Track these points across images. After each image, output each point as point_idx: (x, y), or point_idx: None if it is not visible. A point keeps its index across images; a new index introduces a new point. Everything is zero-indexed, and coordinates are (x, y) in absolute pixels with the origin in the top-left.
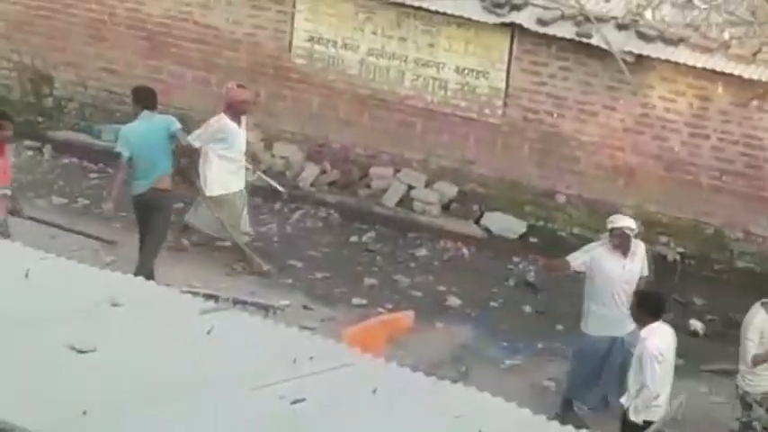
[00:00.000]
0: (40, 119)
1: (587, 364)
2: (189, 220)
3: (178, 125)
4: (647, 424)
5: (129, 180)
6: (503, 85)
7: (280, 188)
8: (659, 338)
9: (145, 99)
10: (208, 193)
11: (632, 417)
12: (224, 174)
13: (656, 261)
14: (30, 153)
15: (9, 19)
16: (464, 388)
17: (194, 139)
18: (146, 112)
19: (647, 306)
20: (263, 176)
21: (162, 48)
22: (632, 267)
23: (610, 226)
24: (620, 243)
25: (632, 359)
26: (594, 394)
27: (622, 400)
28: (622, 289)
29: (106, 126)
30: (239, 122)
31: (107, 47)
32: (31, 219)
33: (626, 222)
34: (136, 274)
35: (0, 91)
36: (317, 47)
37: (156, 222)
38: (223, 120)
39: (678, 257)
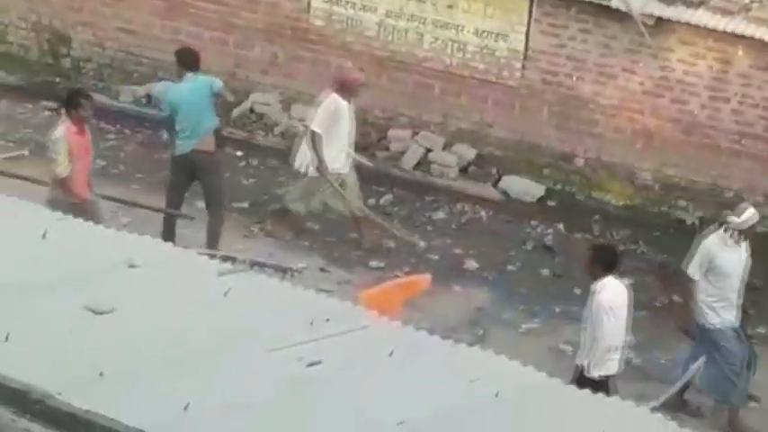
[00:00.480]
0: (57, 79)
1: (734, 358)
2: (290, 206)
3: (220, 84)
4: (604, 379)
5: (170, 141)
6: (522, 48)
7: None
8: (611, 292)
9: (188, 60)
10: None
11: (589, 373)
12: (335, 152)
13: (675, 225)
14: (47, 114)
15: None
16: (481, 351)
17: (317, 127)
18: (189, 74)
19: (601, 260)
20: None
21: (179, 8)
22: (746, 255)
23: (746, 222)
24: (746, 236)
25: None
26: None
27: (577, 358)
28: (741, 279)
29: (130, 87)
30: (349, 102)
31: (125, 7)
32: (105, 197)
33: (755, 217)
34: (210, 246)
35: (18, 51)
36: (335, 8)
37: (211, 185)
38: (337, 100)
39: (697, 221)
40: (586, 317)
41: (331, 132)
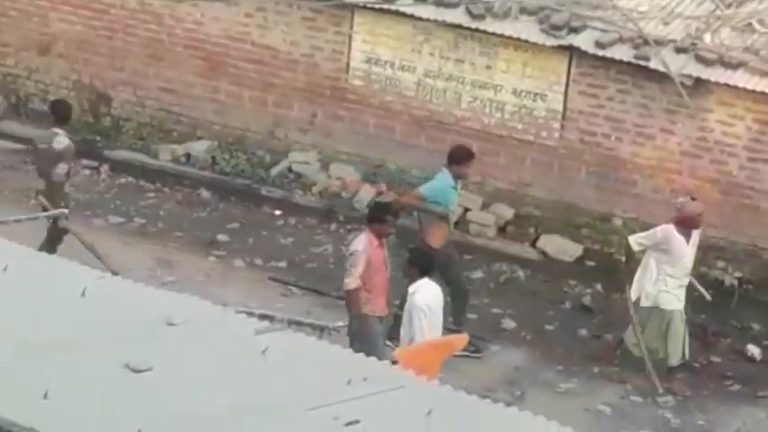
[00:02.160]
0: (97, 138)
1: None
2: (627, 341)
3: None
4: None
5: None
6: (560, 108)
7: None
8: (426, 293)
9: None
10: (641, 304)
11: None
12: (660, 288)
13: (714, 286)
14: (87, 172)
15: (69, 38)
16: (518, 411)
17: (634, 241)
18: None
19: (419, 264)
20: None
21: (219, 68)
22: None
23: None
24: None
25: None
26: None
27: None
28: None
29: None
30: (688, 238)
31: (165, 66)
32: (272, 279)
33: None
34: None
35: None
36: (374, 68)
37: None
38: (670, 232)
39: (736, 282)
40: (405, 317)
41: (660, 266)
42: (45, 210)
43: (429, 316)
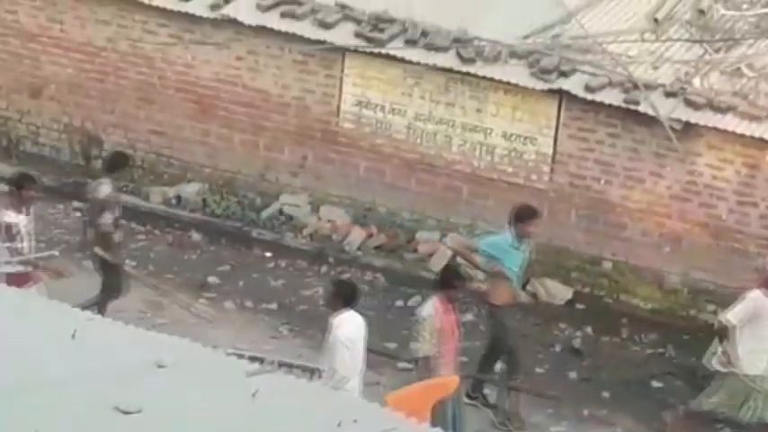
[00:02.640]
0: (88, 180)
1: None
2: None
3: None
4: None
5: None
6: (550, 151)
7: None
8: (350, 326)
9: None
10: (736, 370)
11: None
12: (751, 353)
13: (704, 329)
14: (78, 214)
15: (60, 81)
16: None
17: (732, 317)
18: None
19: (343, 294)
20: None
21: (210, 111)
22: None
23: None
24: None
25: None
26: None
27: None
28: None
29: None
30: None
31: (156, 109)
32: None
33: None
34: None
35: (50, 153)
36: (364, 111)
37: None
38: (761, 297)
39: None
40: (325, 347)
41: (752, 332)
42: (104, 261)
43: (351, 348)
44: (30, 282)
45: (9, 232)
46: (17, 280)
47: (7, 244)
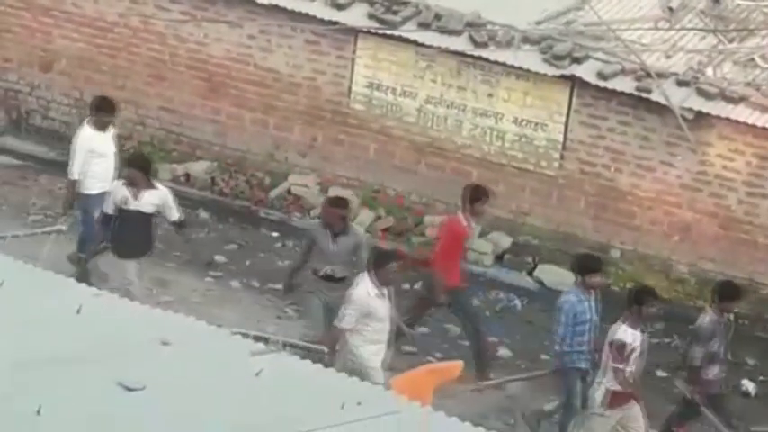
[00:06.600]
0: None
1: None
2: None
3: None
4: None
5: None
6: (560, 138)
7: None
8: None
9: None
10: None
11: None
12: None
13: None
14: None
15: (71, 56)
16: None
17: None
18: None
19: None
20: None
21: (221, 89)
22: None
23: None
24: None
25: None
26: None
27: None
28: None
29: None
30: None
31: (167, 86)
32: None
33: None
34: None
35: (60, 127)
36: (375, 93)
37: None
38: None
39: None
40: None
41: None
42: None
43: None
44: None
45: None
46: None
47: None
